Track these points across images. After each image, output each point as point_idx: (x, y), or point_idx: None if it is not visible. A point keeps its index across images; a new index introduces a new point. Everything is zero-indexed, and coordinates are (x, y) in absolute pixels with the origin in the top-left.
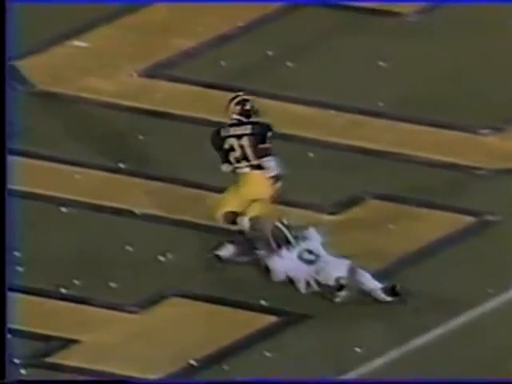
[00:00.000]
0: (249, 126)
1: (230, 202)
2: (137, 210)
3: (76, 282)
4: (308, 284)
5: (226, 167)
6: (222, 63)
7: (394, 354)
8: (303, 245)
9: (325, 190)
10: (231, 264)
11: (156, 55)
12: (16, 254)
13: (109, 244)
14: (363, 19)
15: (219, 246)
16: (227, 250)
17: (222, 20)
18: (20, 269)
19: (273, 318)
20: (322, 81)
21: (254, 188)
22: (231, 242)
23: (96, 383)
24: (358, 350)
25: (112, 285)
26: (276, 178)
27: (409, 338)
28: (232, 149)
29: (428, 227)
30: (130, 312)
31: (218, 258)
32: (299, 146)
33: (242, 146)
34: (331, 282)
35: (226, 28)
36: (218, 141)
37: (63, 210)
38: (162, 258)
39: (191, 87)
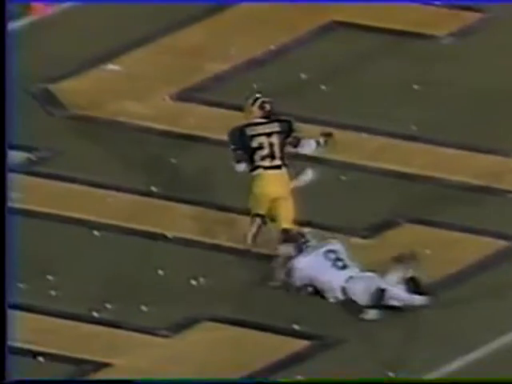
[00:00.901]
0: (276, 124)
1: (256, 205)
2: (169, 234)
3: (108, 305)
4: (333, 290)
5: (240, 167)
6: (255, 86)
7: (428, 377)
8: (328, 246)
9: (358, 214)
10: (264, 288)
11: (189, 79)
12: (49, 277)
13: (141, 268)
14: (397, 42)
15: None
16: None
17: (254, 43)
18: (54, 292)
19: (305, 343)
20: (354, 104)
21: (277, 187)
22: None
23: (96, 383)
24: (391, 374)
25: (144, 309)
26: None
27: (443, 361)
28: (260, 147)
29: (461, 251)
30: (161, 336)
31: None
32: (332, 169)
33: (271, 144)
34: (361, 297)
35: (259, 51)
36: (241, 139)
37: (95, 233)
38: (194, 282)
39: (224, 111)
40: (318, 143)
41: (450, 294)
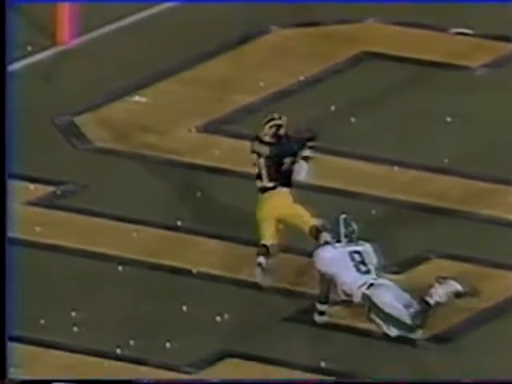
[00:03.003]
0: (268, 148)
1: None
2: (194, 269)
3: (132, 342)
4: (352, 293)
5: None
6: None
7: None
8: (355, 247)
9: (388, 249)
10: (290, 324)
11: (216, 111)
12: (72, 314)
13: (165, 304)
14: (429, 73)
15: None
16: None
17: (282, 74)
18: (77, 329)
19: (332, 380)
20: (385, 136)
21: (272, 208)
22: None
23: (96, 383)
24: None
25: (168, 345)
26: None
27: None
28: (254, 164)
29: (495, 287)
30: (186, 373)
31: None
32: (362, 203)
33: (259, 165)
34: (391, 305)
35: (287, 82)
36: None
37: (120, 268)
38: (218, 319)
39: (251, 143)
40: (306, 159)
41: (479, 331)
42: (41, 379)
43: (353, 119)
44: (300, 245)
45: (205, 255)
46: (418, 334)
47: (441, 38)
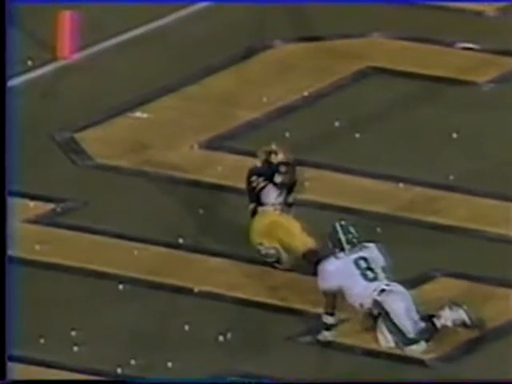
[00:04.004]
0: (255, 177)
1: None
2: (196, 288)
3: (133, 361)
4: (362, 301)
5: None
6: (287, 135)
7: None
8: (360, 253)
9: (393, 267)
10: (294, 343)
11: (218, 127)
12: (72, 333)
13: (167, 323)
14: (435, 88)
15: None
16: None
17: (286, 90)
18: (77, 348)
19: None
20: (390, 153)
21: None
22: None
23: (96, 383)
24: None
25: (169, 365)
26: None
27: None
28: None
29: (502, 306)
30: None
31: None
32: (366, 220)
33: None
34: (401, 317)
35: (291, 98)
36: None
37: (120, 287)
38: (221, 338)
39: (255, 160)
40: (277, 185)
41: (486, 350)
42: (41, 379)
43: (357, 135)
44: (303, 263)
45: (207, 274)
46: (421, 348)
47: (446, 53)
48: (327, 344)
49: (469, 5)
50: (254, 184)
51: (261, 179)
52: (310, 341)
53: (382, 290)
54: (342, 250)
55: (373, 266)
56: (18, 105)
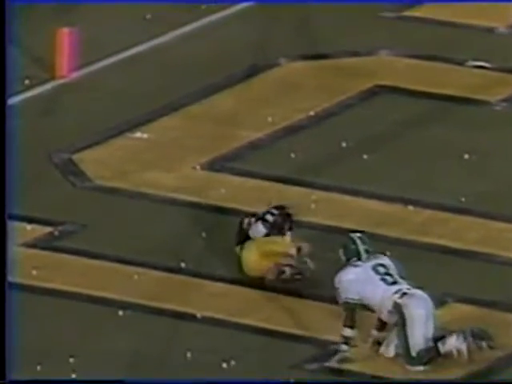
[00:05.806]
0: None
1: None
2: (198, 314)
3: None
4: (384, 305)
5: None
6: (293, 156)
7: None
8: (377, 260)
9: None
10: (300, 370)
11: (221, 147)
12: (70, 360)
13: (168, 350)
14: (446, 108)
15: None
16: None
17: (291, 109)
18: (75, 375)
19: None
20: (399, 174)
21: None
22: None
23: (96, 383)
24: None
25: None
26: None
27: None
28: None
29: None
30: None
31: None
32: (375, 244)
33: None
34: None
35: (297, 118)
36: None
37: (120, 313)
38: (224, 365)
39: (258, 181)
40: (267, 222)
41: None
42: (41, 379)
43: (365, 156)
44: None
45: (210, 299)
46: (418, 369)
47: (457, 72)
48: (334, 371)
49: (480, 21)
50: (246, 223)
51: (253, 219)
52: (317, 368)
53: (404, 294)
54: (359, 259)
55: (391, 271)
56: (16, 125)
